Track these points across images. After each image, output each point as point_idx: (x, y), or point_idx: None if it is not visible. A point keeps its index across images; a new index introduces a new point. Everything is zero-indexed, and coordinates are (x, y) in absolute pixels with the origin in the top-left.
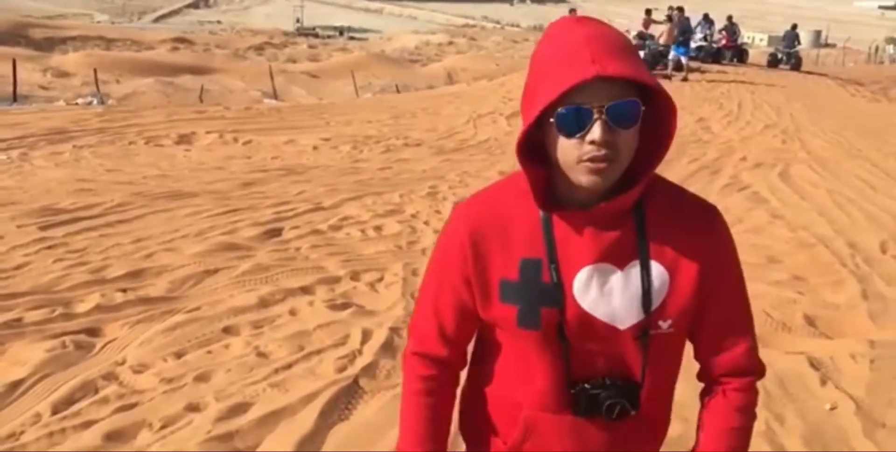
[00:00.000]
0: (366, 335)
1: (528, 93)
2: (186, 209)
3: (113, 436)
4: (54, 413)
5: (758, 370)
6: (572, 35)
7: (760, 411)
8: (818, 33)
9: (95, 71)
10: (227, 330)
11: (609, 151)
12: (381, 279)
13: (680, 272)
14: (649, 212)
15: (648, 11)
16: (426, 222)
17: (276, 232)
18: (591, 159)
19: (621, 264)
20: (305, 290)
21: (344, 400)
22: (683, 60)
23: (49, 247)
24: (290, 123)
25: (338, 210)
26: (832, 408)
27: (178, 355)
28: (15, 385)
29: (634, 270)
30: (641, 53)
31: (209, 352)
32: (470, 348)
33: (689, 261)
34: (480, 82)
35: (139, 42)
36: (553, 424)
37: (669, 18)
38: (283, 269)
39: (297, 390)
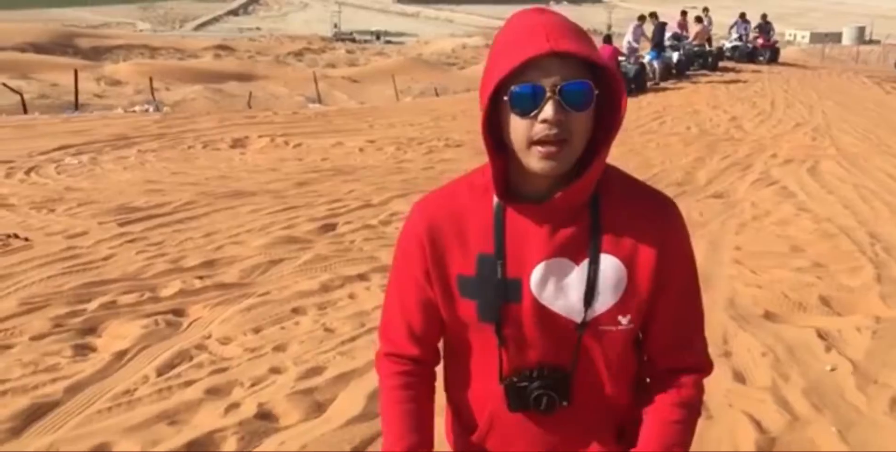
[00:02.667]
0: None
1: (486, 72)
2: (248, 207)
3: (212, 392)
4: (159, 374)
5: (706, 367)
6: (531, 20)
7: (766, 370)
8: (861, 29)
9: (151, 80)
10: (295, 310)
11: (560, 131)
12: None
13: (637, 266)
14: (604, 206)
15: (684, 13)
16: None
17: (332, 227)
18: (543, 140)
19: (577, 259)
20: (362, 277)
21: None
22: (656, 64)
23: (130, 241)
24: (336, 127)
25: (386, 207)
26: (832, 369)
27: (256, 330)
28: (121, 354)
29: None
30: (676, 55)
31: (282, 328)
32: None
33: (645, 254)
34: None
35: (182, 50)
36: (513, 417)
37: (699, 19)
38: (340, 259)
39: (362, 357)
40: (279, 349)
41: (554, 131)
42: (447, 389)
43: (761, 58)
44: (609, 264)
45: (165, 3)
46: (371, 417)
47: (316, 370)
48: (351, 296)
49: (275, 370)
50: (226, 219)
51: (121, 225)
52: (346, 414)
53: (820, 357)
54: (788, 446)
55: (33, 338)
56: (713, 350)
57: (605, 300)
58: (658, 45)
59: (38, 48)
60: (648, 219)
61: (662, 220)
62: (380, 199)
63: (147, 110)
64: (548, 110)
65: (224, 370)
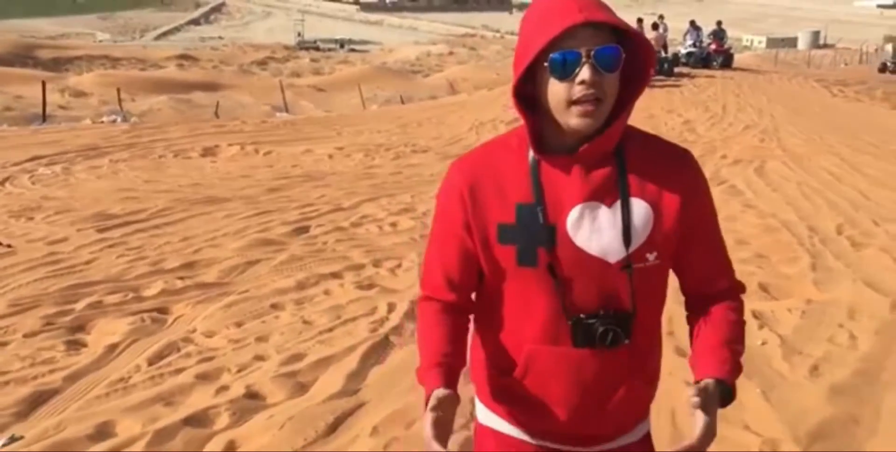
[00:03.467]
0: (391, 307)
1: (521, 45)
2: (222, 212)
3: (201, 377)
4: (150, 364)
5: (741, 287)
6: None
7: None
8: (816, 34)
9: (119, 91)
10: (274, 306)
11: (596, 91)
12: (399, 266)
13: (662, 207)
14: (629, 155)
15: (640, 20)
16: None
17: (305, 229)
18: (581, 99)
19: (608, 201)
20: (335, 275)
21: (378, 350)
22: None
23: (110, 246)
24: (305, 135)
25: (357, 210)
26: (763, 344)
27: (238, 324)
28: (112, 347)
29: (620, 207)
30: None
31: (263, 322)
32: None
33: (669, 196)
34: (481, 92)
35: (144, 60)
36: (551, 356)
37: (655, 26)
38: (315, 259)
39: (340, 344)
40: (261, 339)
41: (591, 91)
42: (481, 336)
43: (715, 63)
44: (638, 206)
45: (125, 13)
46: (350, 393)
47: (297, 357)
48: (326, 292)
49: (259, 358)
50: (202, 224)
51: (99, 231)
52: (327, 392)
53: (753, 334)
54: None
55: (26, 335)
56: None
57: (636, 240)
58: None
59: None
60: (669, 165)
61: (682, 166)
62: (350, 203)
63: (115, 121)
64: (584, 73)
65: (211, 358)
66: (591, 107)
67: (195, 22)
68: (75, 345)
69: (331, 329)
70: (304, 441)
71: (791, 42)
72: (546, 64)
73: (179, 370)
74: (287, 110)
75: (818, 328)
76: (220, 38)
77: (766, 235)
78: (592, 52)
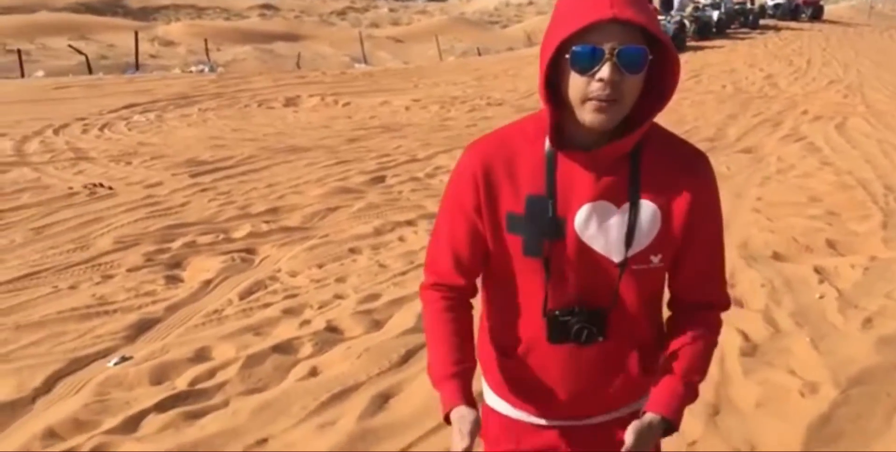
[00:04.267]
0: None
1: (549, 32)
2: (304, 161)
3: (287, 312)
4: (241, 298)
5: (725, 303)
6: None
7: (762, 298)
8: None
9: (206, 41)
10: (352, 250)
11: (613, 92)
12: None
13: (671, 212)
14: (645, 157)
15: None
16: None
17: (381, 179)
18: (598, 97)
19: (618, 202)
20: (410, 223)
21: None
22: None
23: (202, 190)
24: (383, 86)
25: (431, 161)
26: (820, 297)
27: (319, 266)
28: (207, 283)
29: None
30: (716, 13)
31: (342, 264)
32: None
33: (679, 202)
34: None
35: (228, 9)
36: (547, 349)
37: None
38: (390, 207)
39: (412, 287)
40: (340, 280)
41: (607, 91)
42: (487, 316)
43: (804, 15)
44: (646, 209)
45: None
46: (421, 330)
47: (373, 297)
48: (401, 239)
49: (338, 297)
50: (285, 171)
51: (192, 176)
52: (400, 328)
53: (812, 288)
54: (767, 352)
55: (130, 270)
56: None
57: (640, 242)
58: (666, 5)
59: (89, 8)
60: (683, 170)
61: (696, 172)
62: (425, 154)
63: (202, 71)
64: (605, 71)
65: (295, 295)
66: (605, 105)
67: None
68: (173, 280)
69: (404, 273)
70: (379, 369)
71: None
72: (568, 56)
73: (267, 305)
74: (365, 62)
75: (878, 283)
76: None
77: (841, 192)
78: (616, 50)
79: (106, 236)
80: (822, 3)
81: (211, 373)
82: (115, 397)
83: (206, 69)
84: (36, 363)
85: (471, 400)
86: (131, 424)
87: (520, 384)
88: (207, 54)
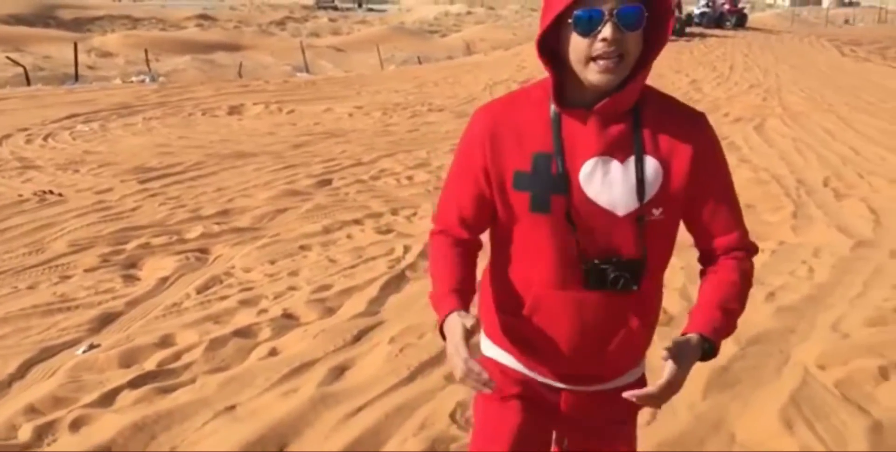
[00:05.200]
0: (406, 248)
1: (549, 2)
2: (251, 166)
3: (244, 302)
4: (198, 292)
5: (752, 248)
6: None
7: (681, 278)
8: None
9: (146, 52)
10: (302, 247)
11: (616, 48)
12: (415, 214)
13: (672, 166)
14: (645, 114)
15: None
16: None
17: (328, 182)
18: (602, 56)
19: (621, 157)
20: (357, 222)
21: (395, 283)
22: None
23: (152, 195)
24: (326, 94)
25: (375, 164)
26: None
27: (272, 262)
28: (164, 280)
29: (632, 163)
30: None
31: (293, 260)
32: (486, 239)
33: (680, 156)
34: (497, 52)
35: (164, 20)
36: (558, 299)
37: None
38: (338, 207)
39: (362, 278)
40: (293, 274)
41: (612, 49)
42: (489, 277)
43: (728, 23)
44: (649, 164)
45: None
46: (371, 314)
47: (325, 287)
48: (349, 236)
49: (292, 288)
50: (233, 176)
51: (140, 182)
52: (351, 313)
53: None
54: (680, 321)
55: (87, 270)
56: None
57: (644, 195)
58: None
59: (20, 20)
60: (683, 126)
61: (694, 128)
62: (370, 158)
63: (144, 81)
64: (606, 31)
65: (251, 288)
66: (611, 64)
67: None
68: (130, 279)
69: (353, 266)
70: (334, 347)
71: (816, 0)
72: (570, 20)
73: (224, 298)
74: (307, 70)
75: (783, 263)
76: None
77: (757, 187)
78: (616, 11)
79: (60, 239)
80: (746, 11)
81: (177, 356)
82: (88, 378)
83: (148, 79)
84: (6, 353)
85: (467, 309)
86: (107, 399)
87: (524, 339)
88: (148, 64)
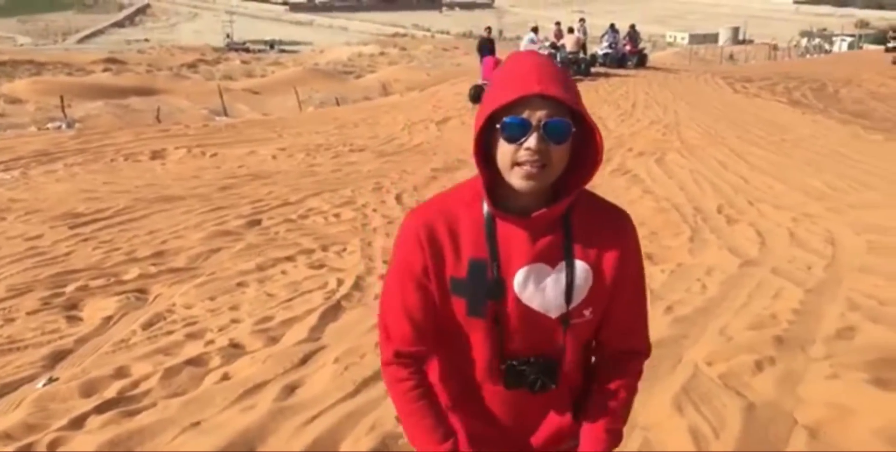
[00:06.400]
0: (340, 282)
1: (483, 103)
2: (180, 209)
3: (190, 335)
4: (144, 329)
5: (647, 350)
6: (525, 62)
7: None
8: (736, 30)
9: (62, 98)
10: (240, 284)
11: (540, 157)
12: (344, 250)
13: (601, 269)
14: (575, 219)
15: (558, 23)
16: (374, 210)
17: (257, 222)
18: (526, 163)
19: (553, 263)
20: (290, 258)
21: (333, 312)
22: None
23: (84, 240)
24: (247, 137)
25: (303, 204)
26: None
27: (212, 298)
28: (108, 319)
29: (563, 268)
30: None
31: (232, 296)
32: None
33: (607, 259)
34: (413, 93)
35: (70, 64)
36: (490, 394)
37: (571, 30)
38: (269, 246)
39: (300, 309)
40: (234, 308)
41: (535, 158)
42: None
43: (630, 63)
44: (579, 268)
45: (45, 16)
46: (314, 340)
47: (267, 319)
48: (283, 272)
49: (235, 321)
50: (163, 219)
51: (71, 228)
52: (295, 339)
53: None
54: None
55: (29, 313)
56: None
57: (576, 298)
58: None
59: None
60: (610, 230)
61: (620, 231)
62: (297, 197)
63: (60, 127)
64: (531, 140)
65: (195, 323)
66: (534, 170)
67: (119, 24)
68: (74, 319)
69: (291, 299)
70: (283, 369)
71: (713, 38)
72: (498, 126)
73: (170, 332)
74: (226, 114)
75: (679, 281)
76: (147, 40)
77: (659, 215)
78: (543, 123)
79: None
80: (646, 51)
81: (135, 384)
82: (54, 407)
83: (64, 126)
84: None
85: None
86: (77, 423)
87: (462, 416)
88: (63, 111)
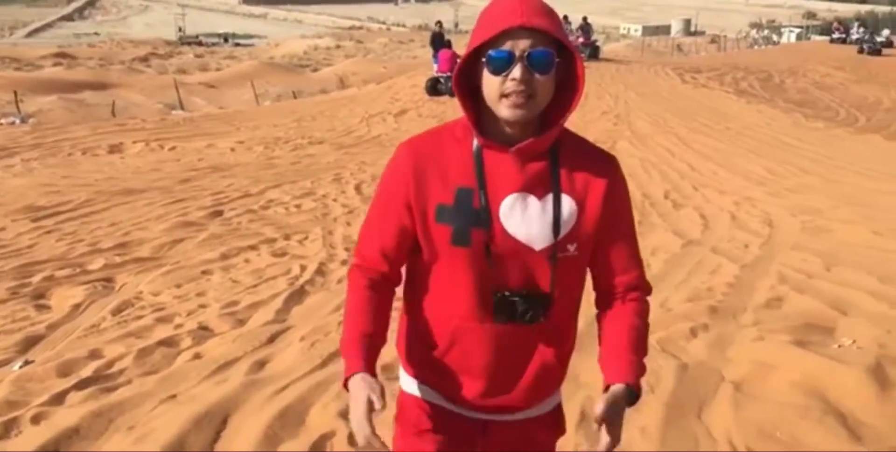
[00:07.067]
0: (303, 268)
1: (470, 39)
2: (142, 201)
3: (160, 320)
4: (113, 315)
5: (648, 288)
6: None
7: None
8: (688, 22)
9: (16, 93)
10: (205, 272)
11: (525, 87)
12: (306, 238)
13: (587, 204)
14: (562, 155)
15: None
16: (334, 200)
17: (219, 213)
18: (511, 93)
19: (539, 194)
20: (253, 247)
21: (297, 296)
22: None
23: (47, 232)
24: (205, 130)
25: (263, 195)
26: None
27: (178, 286)
28: (76, 306)
29: (550, 200)
30: None
31: (198, 283)
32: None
33: (594, 195)
34: (370, 86)
35: (19, 59)
36: (476, 332)
37: None
38: (232, 235)
39: (265, 293)
40: (201, 294)
41: (521, 88)
42: (408, 311)
43: (582, 55)
44: (565, 202)
45: None
46: (280, 321)
47: (233, 303)
48: (247, 260)
49: (202, 306)
50: (125, 212)
51: (33, 221)
52: (262, 321)
53: None
54: None
55: None
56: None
57: (561, 232)
58: None
59: None
60: (596, 167)
61: (606, 169)
62: (257, 189)
63: (14, 122)
64: (516, 71)
65: (163, 308)
66: (520, 100)
67: (68, 18)
68: (43, 308)
69: (256, 285)
70: (252, 347)
71: (665, 30)
72: (483, 59)
73: (139, 317)
74: (182, 108)
75: None
76: (97, 34)
77: None
78: (526, 54)
79: None
80: (598, 43)
81: (109, 364)
82: (33, 386)
83: (17, 121)
84: None
85: (372, 369)
86: (57, 399)
87: (443, 372)
88: (18, 106)
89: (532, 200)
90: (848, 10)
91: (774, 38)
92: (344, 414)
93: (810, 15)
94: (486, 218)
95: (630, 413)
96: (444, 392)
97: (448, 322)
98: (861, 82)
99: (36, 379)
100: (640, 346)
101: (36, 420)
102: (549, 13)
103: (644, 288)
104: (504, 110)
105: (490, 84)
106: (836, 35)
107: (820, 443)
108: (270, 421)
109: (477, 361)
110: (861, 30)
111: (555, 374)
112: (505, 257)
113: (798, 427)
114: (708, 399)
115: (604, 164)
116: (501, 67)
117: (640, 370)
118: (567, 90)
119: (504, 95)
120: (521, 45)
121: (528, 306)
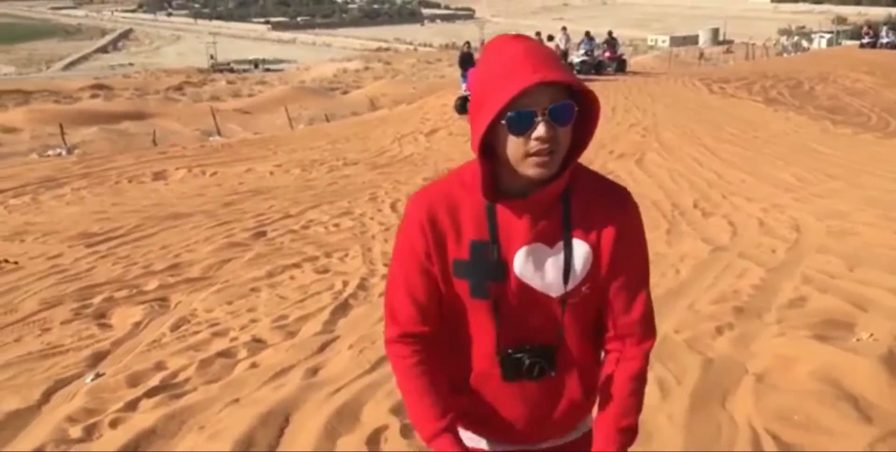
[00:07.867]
0: (345, 283)
1: (478, 103)
2: (189, 225)
3: (216, 334)
4: (172, 331)
5: (653, 333)
6: (512, 49)
7: None
8: (716, 31)
9: (61, 126)
10: (253, 289)
11: (551, 145)
12: (346, 255)
13: (600, 247)
14: (574, 198)
15: (538, 33)
16: (371, 218)
17: (263, 234)
18: (537, 153)
19: (551, 243)
20: (296, 265)
21: (342, 309)
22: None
23: (102, 256)
24: (244, 155)
25: (303, 216)
26: None
27: (229, 303)
28: (137, 324)
29: (562, 247)
30: None
31: (248, 300)
32: None
33: (607, 237)
34: (400, 106)
35: (57, 92)
36: (497, 384)
37: (550, 38)
38: (276, 254)
39: (312, 307)
40: (251, 310)
41: (546, 146)
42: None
43: (609, 69)
44: (578, 247)
45: (28, 45)
46: (329, 332)
47: (283, 317)
48: (292, 277)
49: (254, 320)
50: (173, 235)
51: (88, 247)
52: (312, 332)
53: None
54: None
55: (63, 323)
56: None
57: (575, 278)
58: None
59: None
60: (609, 207)
61: (621, 207)
62: (297, 210)
63: (60, 154)
64: (540, 130)
65: (217, 324)
66: (547, 158)
67: (103, 50)
68: (105, 326)
69: (302, 300)
70: (305, 356)
71: (693, 40)
72: (503, 122)
73: (196, 332)
74: (219, 134)
75: (656, 268)
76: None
77: None
78: (547, 110)
79: (28, 300)
80: (625, 56)
81: (174, 375)
82: (107, 396)
83: (64, 152)
84: (25, 387)
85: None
86: (131, 406)
87: (471, 417)
88: (63, 138)
89: (545, 249)
90: (878, 13)
91: (805, 44)
92: (395, 410)
93: (840, 20)
94: (501, 271)
95: (658, 402)
96: (476, 432)
97: (473, 372)
98: (891, 87)
99: (108, 390)
100: (632, 407)
101: (114, 424)
102: (555, 58)
103: (649, 333)
104: (530, 170)
105: (514, 145)
106: (865, 40)
107: (833, 424)
108: (329, 418)
109: (504, 409)
110: (891, 33)
111: (584, 407)
112: (522, 307)
113: (814, 410)
114: (731, 389)
115: (616, 201)
116: (524, 127)
117: (628, 438)
118: (577, 130)
119: (530, 154)
120: (542, 103)
121: (533, 361)
